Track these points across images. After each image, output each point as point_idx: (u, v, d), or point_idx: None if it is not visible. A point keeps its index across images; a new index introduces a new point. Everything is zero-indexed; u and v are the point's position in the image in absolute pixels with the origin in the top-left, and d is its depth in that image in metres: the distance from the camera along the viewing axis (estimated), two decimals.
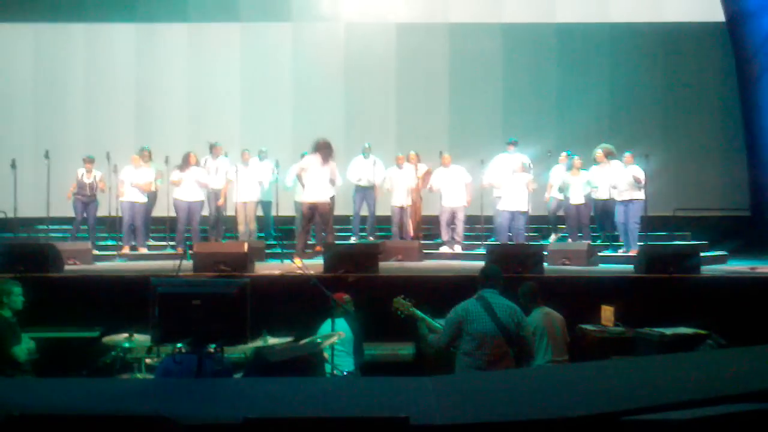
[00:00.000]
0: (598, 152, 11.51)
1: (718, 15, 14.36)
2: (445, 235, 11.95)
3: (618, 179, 11.11)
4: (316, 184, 10.14)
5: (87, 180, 11.77)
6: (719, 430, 3.18)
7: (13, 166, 11.39)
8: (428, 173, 12.09)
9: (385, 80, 14.67)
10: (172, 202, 11.74)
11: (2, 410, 3.32)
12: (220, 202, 12.02)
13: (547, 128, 13.96)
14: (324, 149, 10.09)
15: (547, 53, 14.62)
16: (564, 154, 12.26)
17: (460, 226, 11.81)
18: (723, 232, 12.44)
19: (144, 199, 11.75)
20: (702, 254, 9.81)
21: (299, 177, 10.57)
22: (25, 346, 6.03)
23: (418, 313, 6.29)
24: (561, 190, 11.87)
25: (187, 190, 11.61)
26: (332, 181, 10.34)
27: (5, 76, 14.62)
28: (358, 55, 14.71)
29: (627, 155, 11.19)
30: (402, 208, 12.04)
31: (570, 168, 11.88)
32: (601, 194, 11.54)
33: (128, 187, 11.63)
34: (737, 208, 13.85)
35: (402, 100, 14.65)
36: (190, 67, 14.75)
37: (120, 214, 11.73)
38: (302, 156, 10.95)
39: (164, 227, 12.15)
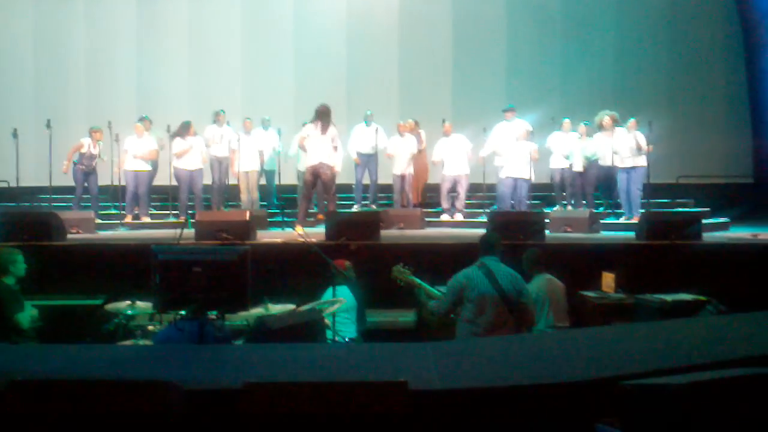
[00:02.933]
0: (606, 119, 11.45)
1: None
2: (445, 203, 11.95)
3: (620, 145, 11.06)
4: (318, 149, 10.15)
5: (93, 151, 11.72)
6: (718, 395, 3.19)
7: (15, 135, 11.36)
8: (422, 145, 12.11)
9: (387, 46, 14.57)
10: (172, 171, 11.74)
11: (6, 376, 3.35)
12: (233, 169, 11.96)
13: (551, 95, 13.87)
14: (323, 116, 10.09)
15: (552, 19, 14.49)
16: (566, 120, 12.19)
17: (462, 194, 11.81)
18: (726, 200, 12.43)
19: (147, 168, 11.72)
20: (704, 221, 9.79)
21: (301, 146, 10.55)
22: (28, 314, 6.07)
23: (417, 280, 6.32)
24: (587, 157, 11.75)
25: (189, 158, 11.60)
26: (335, 147, 10.34)
27: (6, 45, 14.53)
28: (360, 21, 14.60)
29: (631, 121, 11.13)
30: (403, 177, 12.03)
31: (580, 135, 11.84)
32: (605, 161, 11.52)
33: (131, 156, 11.58)
34: (740, 175, 13.81)
35: (404, 66, 14.56)
36: (191, 34, 14.65)
37: (123, 183, 11.72)
38: (304, 124, 10.96)
39: (166, 196, 12.16)
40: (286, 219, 10.82)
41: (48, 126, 11.45)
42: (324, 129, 10.11)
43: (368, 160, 12.31)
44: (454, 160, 11.85)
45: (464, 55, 14.45)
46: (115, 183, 11.90)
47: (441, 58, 14.52)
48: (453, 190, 11.88)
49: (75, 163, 11.67)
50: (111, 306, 6.20)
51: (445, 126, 11.98)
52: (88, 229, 10.32)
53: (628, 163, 11.02)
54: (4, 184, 12.56)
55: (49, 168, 11.50)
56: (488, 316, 5.64)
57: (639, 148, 10.85)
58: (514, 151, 11.39)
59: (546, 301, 6.58)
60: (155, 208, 12.39)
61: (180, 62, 14.55)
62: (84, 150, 11.63)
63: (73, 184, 11.85)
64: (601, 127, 11.54)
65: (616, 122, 11.36)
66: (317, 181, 10.33)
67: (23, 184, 11.70)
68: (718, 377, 3.73)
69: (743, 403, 3.16)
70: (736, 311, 6.33)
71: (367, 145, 12.21)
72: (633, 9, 14.31)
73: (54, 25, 14.61)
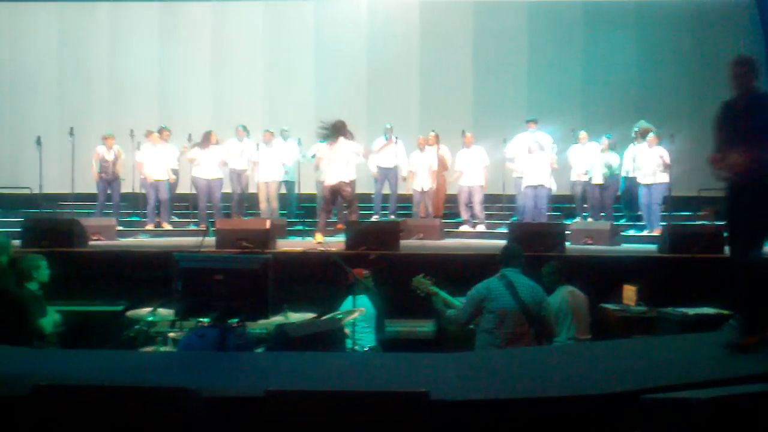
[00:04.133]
0: (647, 132, 11.42)
1: None
2: (464, 215, 11.94)
3: (643, 161, 11.03)
4: (333, 167, 10.07)
5: (109, 157, 11.83)
6: (740, 410, 3.16)
7: (38, 142, 11.50)
8: (443, 161, 12.10)
9: (408, 58, 14.58)
10: (191, 179, 11.82)
11: (29, 381, 3.38)
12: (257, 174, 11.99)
13: (572, 107, 13.82)
14: (334, 132, 10.02)
15: (573, 30, 14.45)
16: (583, 132, 12.15)
17: (477, 207, 11.77)
18: None
19: (165, 177, 11.80)
20: (725, 234, 9.68)
21: (317, 166, 10.56)
22: (50, 319, 6.12)
23: (438, 290, 6.31)
24: (610, 170, 11.69)
25: (207, 168, 11.68)
26: (356, 155, 10.23)
27: (30, 54, 14.70)
28: (380, 33, 14.63)
29: (652, 136, 11.10)
30: (423, 192, 11.97)
31: (604, 149, 11.78)
32: (629, 173, 11.53)
33: (149, 166, 11.67)
34: None
35: (425, 78, 14.56)
36: (213, 44, 14.75)
37: (143, 191, 11.81)
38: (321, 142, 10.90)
39: (187, 204, 12.24)
40: (306, 228, 10.84)
41: (71, 134, 11.58)
42: (333, 144, 10.02)
43: (388, 173, 12.31)
44: (470, 171, 11.83)
45: (485, 67, 14.43)
46: (137, 191, 11.99)
47: (462, 70, 14.50)
48: (469, 201, 11.86)
49: (98, 172, 11.81)
50: (132, 313, 6.24)
51: (465, 137, 11.97)
52: (110, 236, 10.39)
53: (650, 180, 10.99)
54: (27, 191, 12.69)
55: (72, 175, 11.62)
56: (508, 328, 5.63)
57: (664, 165, 10.84)
58: (532, 162, 11.36)
59: (569, 313, 6.55)
60: (176, 216, 12.47)
61: (202, 72, 14.65)
62: (101, 159, 11.77)
63: (94, 191, 11.96)
64: (642, 137, 11.48)
65: (644, 134, 11.34)
66: (336, 198, 10.30)
67: (46, 190, 11.82)
68: (740, 393, 3.70)
69: (765, 419, 3.13)
70: None
71: (387, 159, 12.20)
72: (654, 22, 14.24)
73: (78, 35, 14.76)
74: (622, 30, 14.24)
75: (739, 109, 4.75)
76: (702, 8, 14.13)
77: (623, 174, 11.72)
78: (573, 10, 14.42)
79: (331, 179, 10.05)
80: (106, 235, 10.31)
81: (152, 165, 11.71)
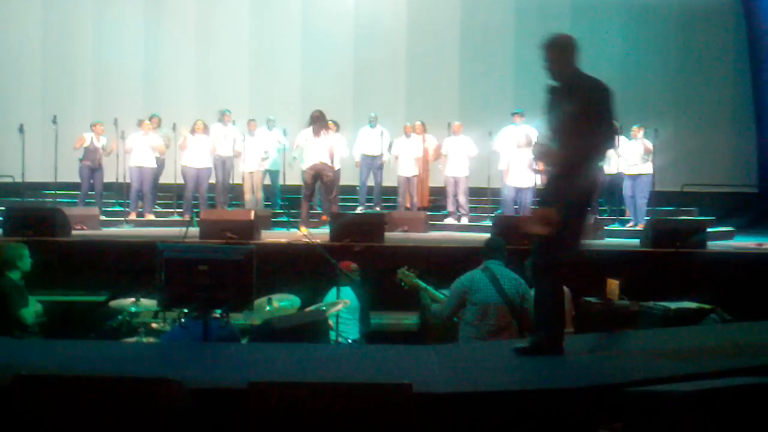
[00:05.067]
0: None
1: None
2: (450, 206, 11.94)
3: (626, 152, 11.08)
4: (315, 152, 10.29)
5: (96, 144, 11.73)
6: (722, 403, 3.19)
7: (21, 130, 11.37)
8: (438, 149, 12.08)
9: (395, 48, 14.56)
10: (180, 169, 11.76)
11: (10, 371, 3.35)
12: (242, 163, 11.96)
13: None
14: (317, 120, 10.21)
15: (559, 24, 14.40)
16: None
17: (462, 198, 11.79)
18: (730, 209, 12.41)
19: (152, 165, 11.73)
20: (709, 230, 9.79)
21: (298, 149, 10.65)
22: (32, 309, 6.08)
23: (422, 283, 6.31)
24: None
25: (195, 156, 11.63)
26: (331, 156, 10.43)
27: (14, 41, 14.53)
28: (367, 23, 14.59)
29: (634, 128, 11.17)
30: (409, 179, 12.02)
31: None
32: (609, 169, 11.53)
33: (136, 152, 11.59)
34: (745, 184, 13.79)
35: (412, 69, 14.55)
36: (199, 33, 14.66)
37: (128, 180, 11.73)
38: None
39: (171, 194, 12.17)
40: (290, 219, 10.83)
41: (54, 122, 11.47)
42: (317, 133, 10.22)
43: (372, 163, 12.31)
44: (456, 161, 11.84)
45: (472, 58, 14.44)
46: (120, 180, 11.90)
47: (448, 60, 14.51)
48: (456, 192, 11.86)
49: (80, 160, 11.69)
50: (115, 303, 6.21)
51: (454, 125, 11.95)
52: (93, 225, 10.34)
53: (634, 171, 11.04)
54: (9, 179, 12.58)
55: (55, 164, 11.52)
56: (491, 320, 5.65)
57: (647, 152, 10.87)
58: (517, 158, 11.37)
59: None
60: (159, 205, 12.40)
61: (187, 60, 14.57)
62: (87, 144, 11.66)
63: (77, 180, 11.86)
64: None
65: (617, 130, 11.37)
66: (317, 182, 10.38)
67: (28, 179, 11.71)
68: (723, 386, 3.73)
69: (747, 412, 3.15)
70: (740, 320, 6.33)
71: (372, 148, 12.21)
72: (640, 17, 14.30)
73: (62, 22, 14.62)
74: (608, 24, 14.28)
75: (557, 93, 4.44)
76: (687, 4, 14.19)
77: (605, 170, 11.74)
78: (560, 4, 14.47)
79: (312, 160, 10.17)
80: (90, 224, 10.25)
81: (140, 152, 11.61)
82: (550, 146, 4.44)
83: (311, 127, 10.38)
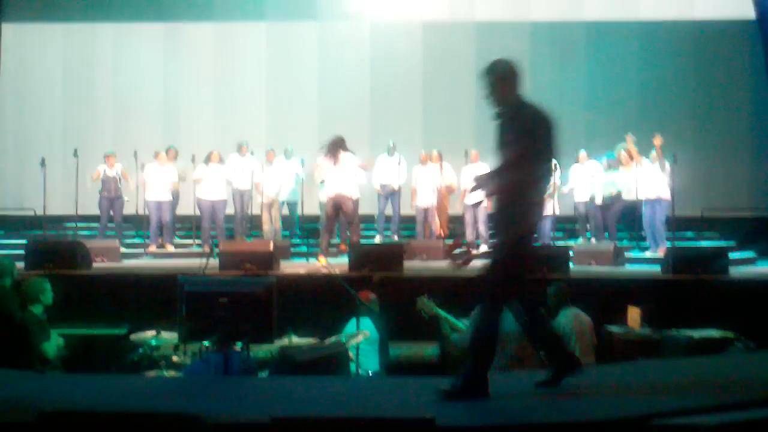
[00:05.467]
0: (622, 154, 11.48)
1: (748, 12, 14.14)
2: (470, 235, 11.90)
3: (645, 176, 11.04)
4: (334, 181, 10.23)
5: (110, 174, 11.84)
6: None
7: (43, 164, 11.52)
8: (450, 185, 12.10)
9: (410, 79, 14.63)
10: (195, 200, 11.82)
11: (34, 406, 3.37)
12: (260, 194, 11.98)
13: (575, 126, 13.81)
14: (333, 147, 10.16)
15: (575, 51, 14.50)
16: (582, 152, 12.17)
17: (482, 226, 11.75)
18: (751, 234, 12.28)
19: (169, 198, 11.82)
20: (730, 255, 9.69)
21: (315, 176, 10.64)
22: (54, 343, 6.10)
23: (442, 312, 6.28)
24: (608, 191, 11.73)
25: (210, 188, 11.68)
26: (361, 168, 10.36)
27: (35, 76, 14.77)
28: (383, 53, 14.69)
29: (653, 153, 11.12)
30: (426, 208, 12.01)
31: (605, 168, 11.82)
32: (629, 195, 11.51)
33: (153, 185, 11.68)
34: (766, 208, 13.66)
35: (428, 98, 14.61)
36: (217, 65, 14.83)
37: (146, 212, 11.82)
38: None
39: (190, 225, 12.24)
40: (309, 249, 10.85)
41: (75, 155, 11.60)
42: (336, 159, 10.16)
43: (391, 191, 12.33)
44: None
45: None
46: (140, 212, 12.00)
47: (464, 90, 14.52)
48: (475, 221, 11.83)
49: (99, 192, 11.82)
50: (136, 336, 6.23)
51: (471, 153, 11.94)
52: (113, 257, 10.39)
53: (652, 195, 10.97)
54: (31, 212, 12.71)
55: (75, 196, 11.64)
56: (510, 351, 5.60)
57: (667, 174, 10.83)
58: None
59: (572, 336, 6.51)
60: (179, 236, 12.47)
61: (205, 92, 14.71)
62: (101, 176, 11.79)
63: (98, 212, 11.97)
64: (620, 160, 11.58)
65: (632, 156, 11.36)
66: (338, 213, 10.34)
67: (50, 212, 11.83)
68: (749, 418, 3.68)
69: None
70: (763, 348, 6.25)
71: (390, 176, 12.23)
72: (657, 41, 14.28)
73: (83, 56, 14.84)
74: (624, 50, 14.29)
75: (500, 122, 4.32)
76: (704, 28, 14.18)
77: (625, 196, 11.70)
78: (575, 31, 14.48)
79: (332, 191, 10.14)
80: (110, 256, 10.31)
81: (157, 185, 11.71)
82: (490, 177, 4.37)
83: (328, 155, 10.29)
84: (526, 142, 4.18)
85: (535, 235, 4.44)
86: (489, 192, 4.37)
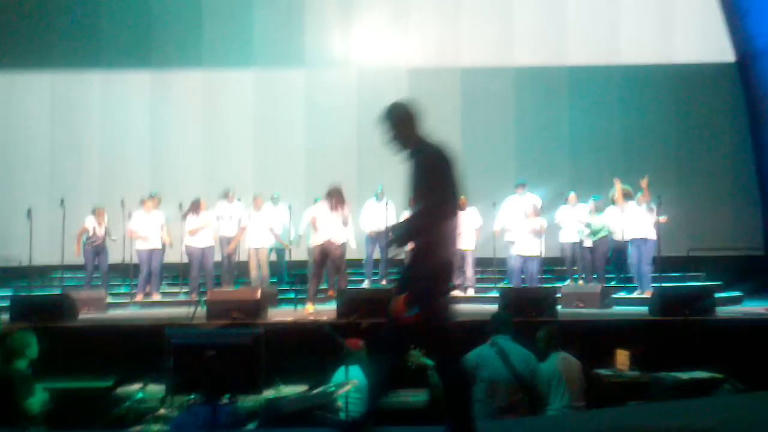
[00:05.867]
0: (615, 193, 11.60)
1: (728, 56, 14.45)
2: (456, 279, 11.91)
3: (632, 218, 11.13)
4: (326, 227, 10.24)
5: (99, 231, 11.83)
6: None
7: (29, 216, 11.48)
8: None
9: None
10: (183, 248, 11.79)
11: None
12: (230, 247, 12.00)
13: (560, 169, 13.99)
14: (334, 195, 10.19)
15: (559, 95, 14.70)
16: (572, 194, 12.26)
17: (469, 271, 11.78)
18: (737, 273, 12.35)
19: (159, 246, 11.81)
20: (716, 295, 9.73)
21: (313, 225, 10.60)
22: (39, 398, 6.02)
23: (429, 362, 6.25)
24: (593, 232, 11.82)
25: (200, 236, 11.68)
26: (344, 223, 10.39)
27: (22, 124, 14.81)
28: (370, 99, 14.77)
29: (639, 196, 11.23)
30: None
31: (590, 211, 11.91)
32: (617, 236, 11.60)
33: (143, 233, 11.66)
34: (751, 248, 13.77)
35: None
36: (205, 112, 14.91)
37: (134, 261, 11.77)
38: (315, 201, 11.20)
39: (177, 274, 12.19)
40: (297, 296, 10.81)
41: (62, 205, 11.59)
42: (335, 207, 10.19)
43: (379, 236, 12.34)
44: (463, 234, 11.86)
45: (473, 132, 14.60)
46: (127, 260, 11.95)
47: (450, 135, 14.27)
48: (462, 265, 11.86)
49: (84, 244, 11.77)
50: (121, 389, 6.16)
51: (460, 199, 12.01)
52: (99, 308, 10.34)
53: (639, 235, 11.05)
54: (17, 263, 12.63)
55: (62, 246, 11.59)
56: (500, 397, 5.57)
57: (654, 218, 10.92)
58: (523, 227, 11.43)
59: (562, 380, 6.49)
60: (166, 284, 12.41)
61: (193, 140, 14.77)
62: (90, 232, 11.75)
63: (83, 262, 11.91)
64: (613, 202, 11.69)
65: (628, 196, 11.46)
66: (326, 258, 10.34)
67: (36, 262, 11.77)
68: None
69: None
70: (752, 389, 6.25)
71: (378, 221, 12.26)
72: (639, 85, 14.52)
73: (70, 105, 14.90)
74: (607, 94, 14.51)
75: (407, 165, 4.33)
76: (685, 72, 14.43)
77: (612, 236, 11.81)
78: (558, 76, 14.70)
79: (321, 238, 10.15)
80: (96, 307, 10.26)
81: (145, 233, 11.70)
82: (401, 225, 4.39)
83: (325, 202, 10.32)
84: (432, 180, 4.21)
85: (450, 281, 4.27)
86: (409, 239, 4.24)
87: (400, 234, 4.35)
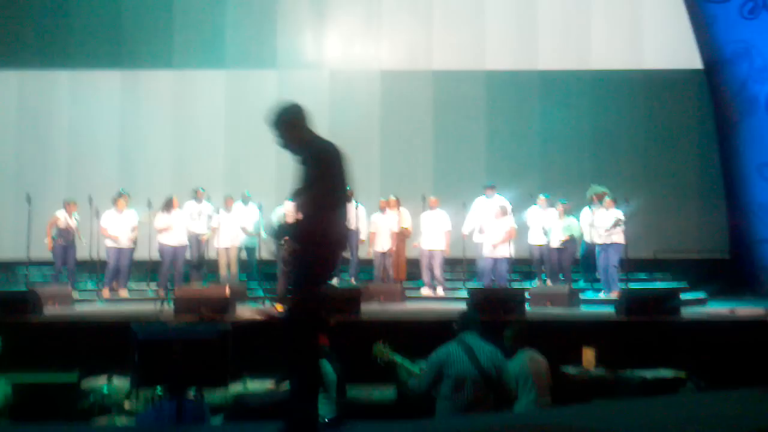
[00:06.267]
0: (592, 195, 11.79)
1: (696, 62, 14.64)
2: (425, 277, 11.98)
3: (600, 223, 11.28)
4: None
5: (71, 223, 11.71)
6: None
7: None
8: (403, 230, 12.18)
9: (369, 126, 14.76)
10: (155, 246, 11.70)
11: None
12: (203, 237, 11.95)
13: (530, 172, 14.09)
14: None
15: (530, 99, 14.81)
16: (542, 197, 12.37)
17: (437, 271, 11.85)
18: (703, 275, 12.54)
19: (130, 246, 11.71)
20: (682, 297, 9.87)
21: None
22: (1, 392, 5.94)
23: (398, 358, 6.27)
24: (545, 233, 11.98)
25: (173, 234, 11.62)
26: None
27: None
28: (342, 101, 14.82)
29: (608, 200, 11.37)
30: (384, 254, 12.05)
31: (560, 213, 12.02)
32: (586, 237, 11.76)
33: (113, 232, 11.56)
34: (716, 250, 13.97)
35: (386, 145, 14.75)
36: (175, 112, 14.79)
37: (102, 257, 11.66)
38: (289, 201, 11.19)
39: (145, 270, 12.10)
40: (267, 295, 10.78)
41: (28, 201, 11.45)
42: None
43: (349, 236, 12.30)
44: (432, 234, 11.93)
45: (444, 134, 14.68)
46: (94, 257, 11.83)
47: (422, 136, 14.74)
48: (430, 265, 11.92)
49: (54, 239, 11.63)
50: (87, 383, 6.10)
51: (430, 200, 12.13)
52: (66, 303, 10.22)
53: (606, 240, 11.20)
54: None
55: (27, 242, 11.45)
56: (467, 394, 5.57)
57: (617, 223, 11.07)
58: (493, 229, 11.51)
59: (529, 377, 6.54)
60: (133, 282, 12.30)
61: (163, 139, 14.65)
62: (61, 224, 11.62)
63: (50, 257, 11.78)
64: (590, 202, 11.85)
65: (600, 198, 11.62)
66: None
67: (1, 258, 11.61)
68: None
69: None
70: (715, 387, 6.35)
71: (348, 222, 12.22)
72: (608, 90, 14.66)
73: (38, 102, 14.71)
74: (577, 98, 14.64)
75: (299, 165, 4.45)
76: (653, 77, 14.62)
77: (584, 238, 11.94)
78: (530, 79, 14.80)
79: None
80: (62, 302, 10.13)
81: (116, 232, 11.60)
82: (300, 221, 4.35)
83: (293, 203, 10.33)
84: (322, 175, 4.32)
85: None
86: (297, 233, 4.35)
87: (283, 226, 4.40)
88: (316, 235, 4.25)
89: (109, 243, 11.61)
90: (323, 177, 4.31)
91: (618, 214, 11.21)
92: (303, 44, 15.15)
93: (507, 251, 11.44)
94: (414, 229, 12.28)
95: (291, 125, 4.52)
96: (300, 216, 4.34)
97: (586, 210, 12.00)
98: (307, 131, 4.53)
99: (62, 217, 11.68)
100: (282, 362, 4.42)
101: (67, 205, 11.78)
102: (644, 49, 14.88)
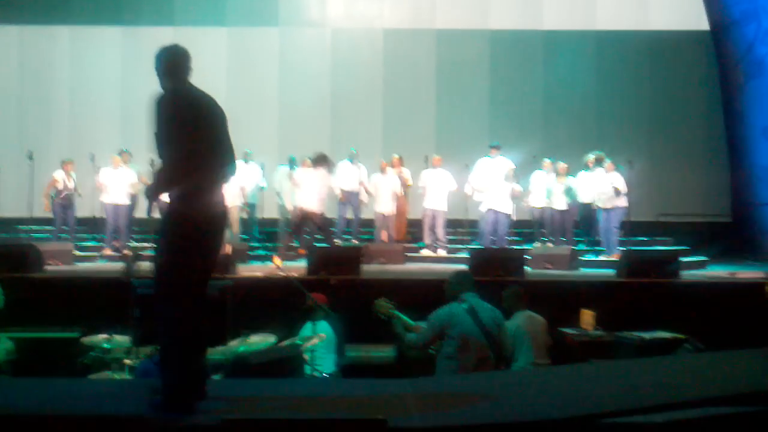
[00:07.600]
0: (590, 158, 11.70)
1: (702, 23, 14.48)
2: (427, 239, 11.96)
3: (600, 186, 11.23)
4: (310, 193, 10.66)
5: (69, 183, 11.68)
6: None
7: None
8: (406, 182, 12.19)
9: (371, 85, 14.68)
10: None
11: None
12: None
13: (533, 134, 14.01)
14: (323, 163, 10.72)
15: (534, 60, 14.68)
16: (547, 160, 12.31)
17: (440, 231, 11.83)
18: (704, 238, 12.53)
19: (128, 201, 11.69)
20: (682, 259, 9.87)
21: (294, 184, 10.90)
22: (3, 347, 5.99)
23: (398, 313, 6.28)
24: (566, 193, 11.93)
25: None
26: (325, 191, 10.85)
27: None
28: (344, 60, 14.71)
29: (608, 163, 11.31)
30: (385, 215, 12.03)
31: (562, 173, 11.97)
32: (585, 199, 11.70)
33: (110, 189, 11.54)
34: (719, 214, 13.96)
35: (388, 105, 14.66)
36: None
37: (102, 215, 11.66)
38: (290, 159, 11.24)
39: (147, 228, 12.09)
40: (267, 253, 10.81)
41: (30, 158, 11.42)
42: (321, 173, 10.68)
43: (351, 197, 12.32)
44: (435, 194, 11.89)
45: (447, 94, 14.59)
46: (95, 215, 11.83)
47: (425, 96, 14.64)
48: (433, 225, 11.90)
49: (53, 198, 11.63)
50: (88, 339, 6.13)
51: (433, 159, 12.07)
52: (67, 260, 10.24)
53: (608, 204, 11.15)
54: None
55: (29, 199, 11.45)
56: (470, 353, 5.59)
57: (617, 192, 11.00)
58: (496, 187, 11.45)
59: (527, 337, 6.57)
60: (136, 240, 12.31)
61: None
62: (60, 185, 11.60)
63: (52, 215, 11.79)
64: (586, 167, 11.78)
65: (600, 161, 11.54)
66: (306, 222, 10.79)
67: (3, 214, 11.62)
68: (697, 416, 3.75)
69: None
70: (712, 349, 6.37)
71: (351, 182, 12.23)
72: (613, 51, 14.53)
73: (38, 58, 14.62)
74: (581, 59, 14.51)
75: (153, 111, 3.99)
76: (659, 38, 14.47)
77: (582, 200, 11.90)
78: (534, 39, 14.66)
79: (300, 202, 10.66)
80: (63, 259, 10.16)
81: (113, 188, 11.57)
82: (156, 183, 3.98)
83: (315, 168, 10.78)
84: (178, 130, 3.88)
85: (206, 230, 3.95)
86: (156, 197, 3.93)
87: (149, 189, 3.97)
88: (172, 213, 3.82)
89: (106, 199, 11.59)
90: (179, 137, 3.83)
91: (616, 179, 11.11)
92: (305, 2, 15.00)
93: (508, 209, 11.41)
94: (415, 188, 12.25)
95: (164, 64, 4.20)
96: (157, 176, 3.85)
97: (581, 173, 11.92)
98: (179, 80, 4.14)
99: (60, 178, 11.65)
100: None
101: (65, 165, 11.74)
102: (650, 10, 14.71)
